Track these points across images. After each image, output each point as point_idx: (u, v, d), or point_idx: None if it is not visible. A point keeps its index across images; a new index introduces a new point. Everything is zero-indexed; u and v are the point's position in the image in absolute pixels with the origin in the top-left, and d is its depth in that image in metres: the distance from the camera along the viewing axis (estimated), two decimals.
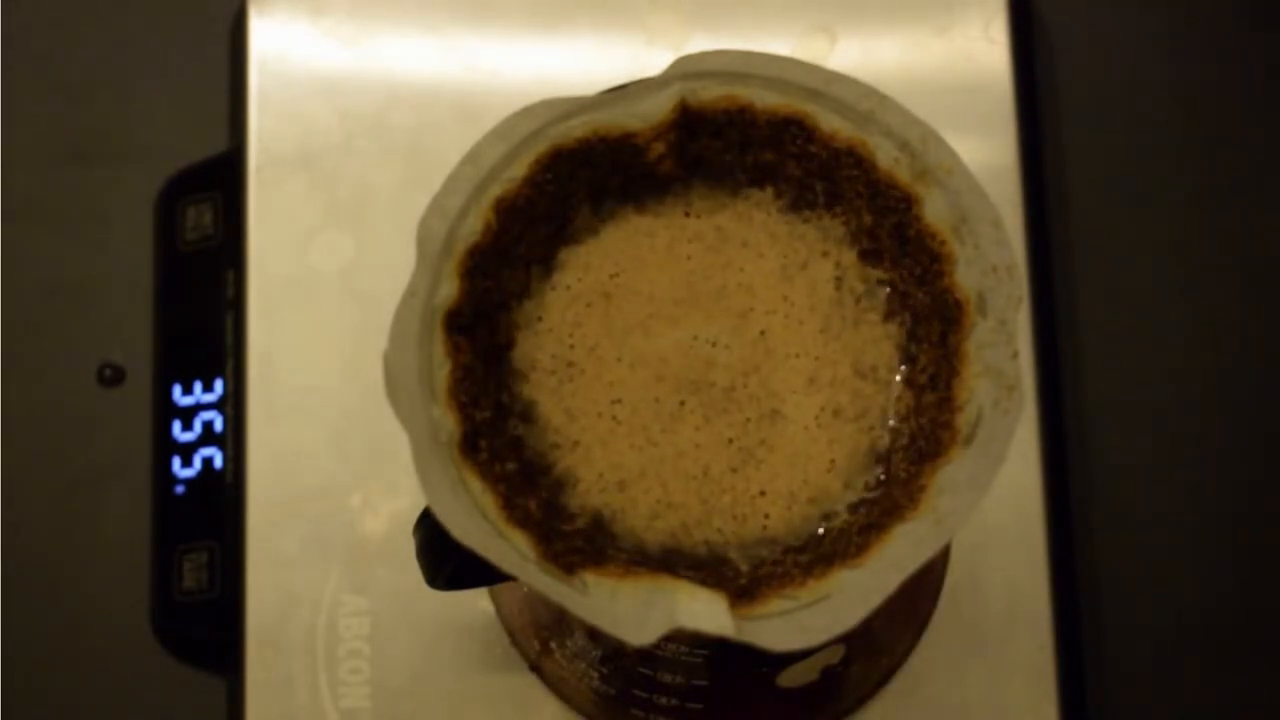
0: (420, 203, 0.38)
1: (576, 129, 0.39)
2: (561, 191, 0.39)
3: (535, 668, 0.53)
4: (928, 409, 0.38)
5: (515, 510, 0.36)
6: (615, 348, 0.39)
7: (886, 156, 0.39)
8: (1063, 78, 0.62)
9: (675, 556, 0.38)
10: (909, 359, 0.39)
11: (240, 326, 0.57)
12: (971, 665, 0.54)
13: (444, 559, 0.41)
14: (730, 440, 0.38)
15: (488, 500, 0.36)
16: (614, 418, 0.39)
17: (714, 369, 0.39)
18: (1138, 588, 0.58)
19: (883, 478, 0.38)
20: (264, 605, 0.55)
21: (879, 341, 0.39)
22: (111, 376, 0.61)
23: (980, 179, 0.38)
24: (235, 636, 0.55)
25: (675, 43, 0.60)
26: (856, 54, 0.59)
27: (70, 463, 0.61)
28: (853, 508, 0.38)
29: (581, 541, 0.37)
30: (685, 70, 0.39)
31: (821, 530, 0.38)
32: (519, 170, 0.39)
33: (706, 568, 0.37)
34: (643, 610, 0.35)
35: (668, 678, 0.47)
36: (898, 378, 0.39)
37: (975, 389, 0.37)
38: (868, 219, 0.39)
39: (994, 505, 0.38)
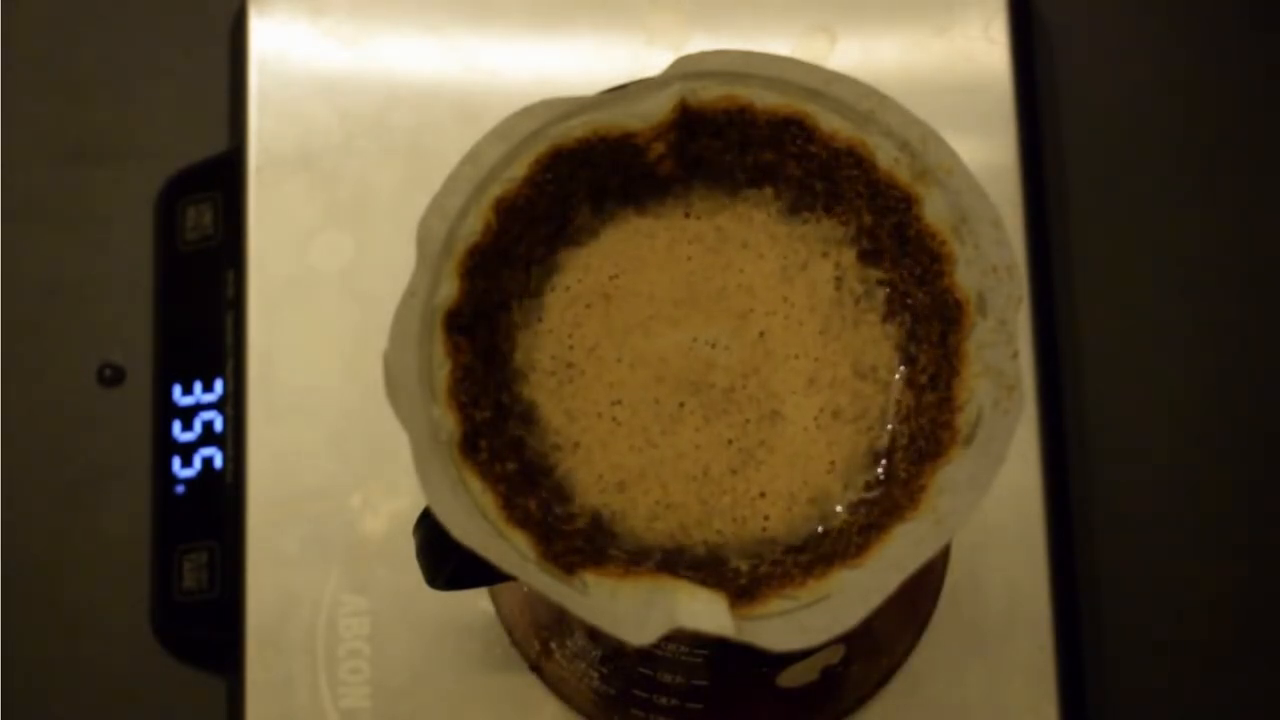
0: (420, 203, 0.38)
1: (576, 129, 0.39)
2: (561, 191, 0.39)
3: (535, 668, 0.53)
4: (928, 409, 0.38)
5: (515, 510, 0.36)
6: (615, 349, 0.39)
7: (886, 156, 0.39)
8: (1063, 78, 0.62)
9: (675, 557, 0.38)
10: (909, 359, 0.39)
11: (240, 326, 0.57)
12: (971, 665, 0.54)
13: (444, 559, 0.41)
14: (730, 441, 0.38)
15: (488, 500, 0.36)
16: (614, 419, 0.39)
17: (714, 370, 0.39)
18: (1138, 588, 0.58)
19: (883, 478, 0.38)
20: (264, 605, 0.55)
21: (879, 342, 0.39)
22: (111, 376, 0.61)
23: (980, 179, 0.38)
24: (235, 636, 0.55)
25: (675, 43, 0.60)
26: (856, 54, 0.59)
27: (70, 463, 0.61)
28: (853, 508, 0.38)
29: (581, 541, 0.37)
30: (685, 70, 0.39)
31: (821, 530, 0.38)
32: (519, 170, 0.39)
33: (706, 568, 0.37)
34: (643, 610, 0.35)
35: (668, 678, 0.47)
36: (897, 378, 0.39)
37: (975, 389, 0.37)
38: (868, 219, 0.39)
39: (994, 505, 0.38)
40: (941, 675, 0.53)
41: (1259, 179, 0.62)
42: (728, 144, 0.40)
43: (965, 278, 0.38)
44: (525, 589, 0.45)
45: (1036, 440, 0.55)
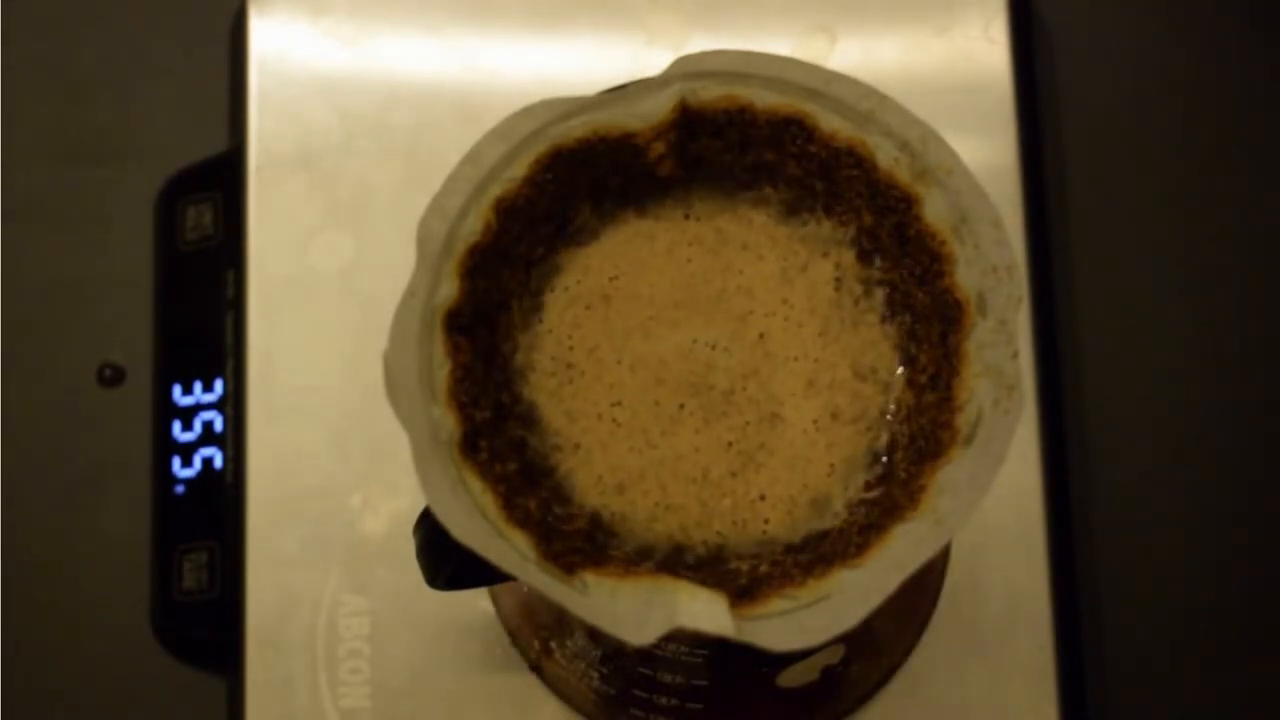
0: (420, 203, 0.38)
1: (576, 129, 0.39)
2: (561, 191, 0.39)
3: (535, 668, 0.53)
4: (927, 409, 0.38)
5: (515, 510, 0.36)
6: (615, 350, 0.39)
7: (886, 156, 0.39)
8: (1063, 78, 0.62)
9: (675, 556, 0.38)
10: (909, 359, 0.39)
11: (240, 326, 0.57)
12: (971, 665, 0.54)
13: (444, 559, 0.41)
14: (730, 444, 0.38)
15: (488, 500, 0.36)
16: (614, 420, 0.39)
17: (713, 372, 0.39)
18: (1138, 588, 0.58)
19: (882, 478, 0.38)
20: (264, 605, 0.55)
21: (878, 343, 0.39)
22: (111, 376, 0.61)
23: (980, 179, 0.38)
24: (235, 636, 0.55)
25: (675, 43, 0.60)
26: (856, 54, 0.59)
27: (70, 463, 0.61)
28: (852, 508, 0.38)
29: (581, 541, 0.37)
30: (685, 70, 0.39)
31: (821, 530, 0.38)
32: (519, 170, 0.39)
33: (706, 568, 0.37)
34: (643, 610, 0.35)
35: (668, 678, 0.47)
36: (897, 378, 0.39)
37: (975, 389, 0.37)
38: (868, 219, 0.39)
39: (994, 505, 0.38)
40: (941, 675, 0.53)
41: (1259, 179, 0.62)
42: (728, 144, 0.40)
43: (965, 278, 0.38)
44: (525, 589, 0.45)
45: (1036, 440, 0.55)
